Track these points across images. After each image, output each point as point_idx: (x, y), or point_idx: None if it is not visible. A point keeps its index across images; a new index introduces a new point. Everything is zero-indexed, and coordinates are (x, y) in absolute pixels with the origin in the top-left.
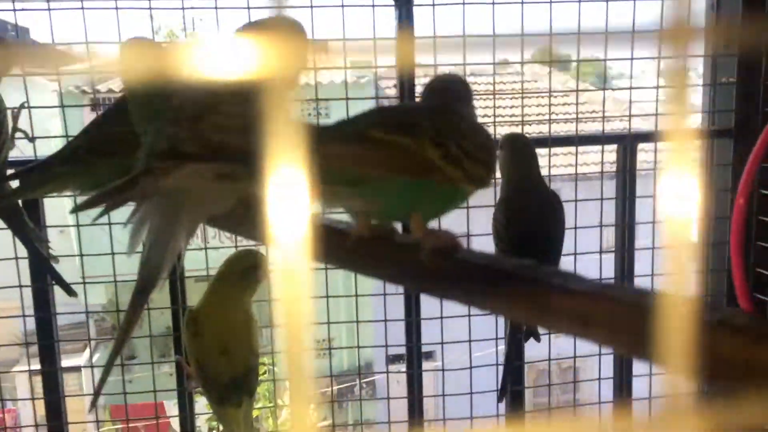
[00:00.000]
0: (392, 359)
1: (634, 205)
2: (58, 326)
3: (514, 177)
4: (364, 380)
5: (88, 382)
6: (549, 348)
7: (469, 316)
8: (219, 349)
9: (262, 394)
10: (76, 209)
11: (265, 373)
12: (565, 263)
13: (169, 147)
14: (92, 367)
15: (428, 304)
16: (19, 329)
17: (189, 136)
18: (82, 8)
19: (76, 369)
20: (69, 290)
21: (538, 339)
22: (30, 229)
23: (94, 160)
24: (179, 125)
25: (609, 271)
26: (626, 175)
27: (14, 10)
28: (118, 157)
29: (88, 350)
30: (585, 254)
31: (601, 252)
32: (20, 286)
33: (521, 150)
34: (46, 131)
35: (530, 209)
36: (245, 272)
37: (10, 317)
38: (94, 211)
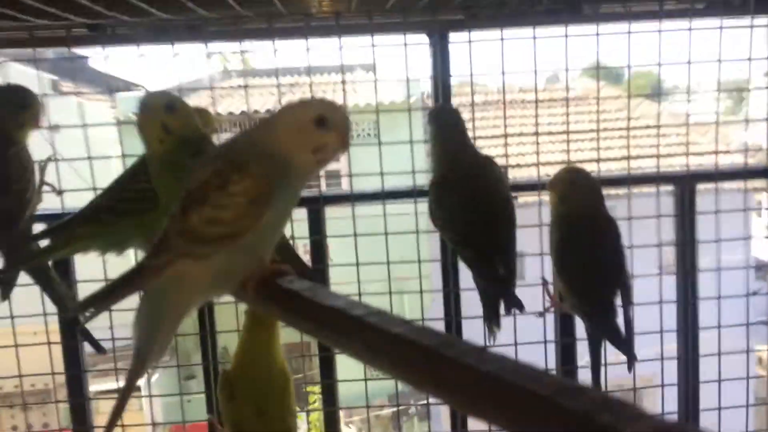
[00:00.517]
0: None
1: (696, 252)
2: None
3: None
4: (419, 402)
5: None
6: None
7: (516, 344)
8: (256, 411)
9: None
10: (79, 309)
11: (315, 401)
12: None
13: (160, 240)
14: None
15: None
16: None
17: (180, 228)
18: (137, 44)
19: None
20: (98, 347)
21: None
22: (58, 286)
23: (115, 220)
24: (174, 217)
25: (671, 323)
26: (685, 218)
27: (68, 47)
28: (138, 217)
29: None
30: (643, 304)
31: (661, 302)
32: (49, 343)
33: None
34: (106, 161)
35: (585, 235)
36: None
37: (37, 375)
38: (125, 263)
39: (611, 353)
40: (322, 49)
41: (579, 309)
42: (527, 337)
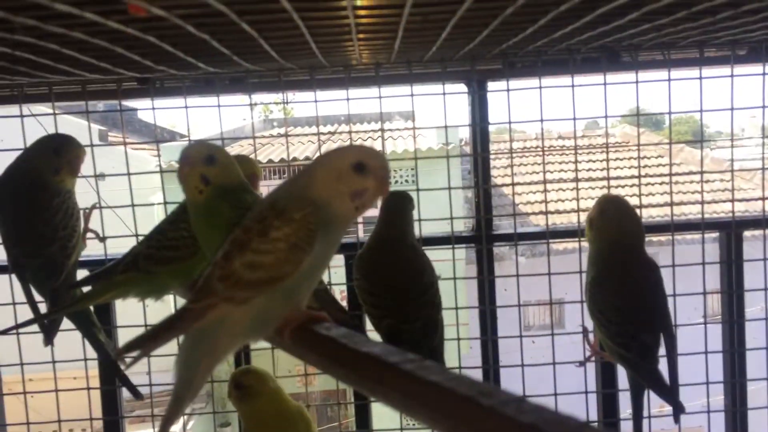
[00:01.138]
0: None
1: (743, 300)
2: (153, 397)
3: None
4: None
5: None
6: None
7: (556, 394)
8: None
9: None
10: (123, 352)
11: None
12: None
13: (202, 285)
14: None
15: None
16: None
17: (221, 273)
18: (186, 105)
19: None
20: (136, 393)
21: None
22: (98, 331)
23: (154, 267)
24: (216, 263)
25: (717, 374)
26: (731, 266)
27: (118, 99)
28: (177, 264)
29: (182, 419)
30: (689, 354)
31: (707, 352)
32: (88, 389)
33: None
34: (150, 209)
35: (621, 271)
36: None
37: (76, 420)
38: (164, 308)
39: (656, 404)
40: (362, 98)
41: (616, 353)
42: (568, 388)
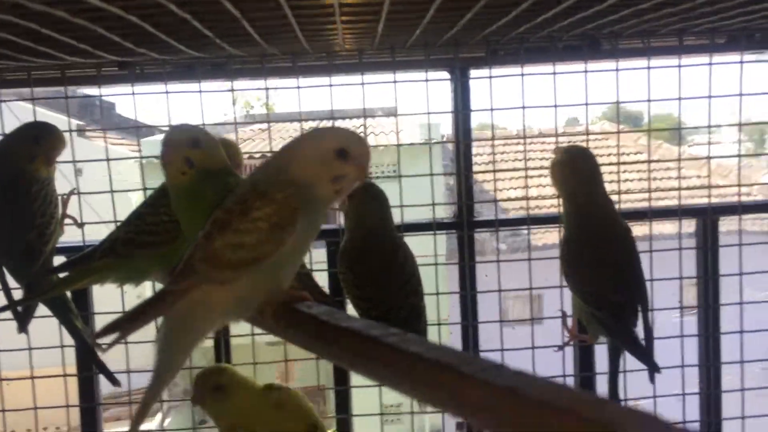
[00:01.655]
0: (459, 425)
1: (718, 286)
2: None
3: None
4: None
5: None
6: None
7: None
8: None
9: None
10: (103, 334)
11: None
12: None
13: (184, 265)
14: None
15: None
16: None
17: (203, 254)
18: (167, 91)
19: None
20: (113, 380)
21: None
22: (75, 317)
23: (132, 252)
24: (197, 244)
25: (692, 359)
26: (707, 252)
27: (98, 85)
28: (156, 249)
29: (160, 414)
30: (664, 339)
31: (682, 336)
32: (65, 375)
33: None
34: (128, 199)
35: (595, 231)
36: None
37: (52, 407)
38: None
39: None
40: (345, 93)
41: (590, 314)
42: (547, 373)
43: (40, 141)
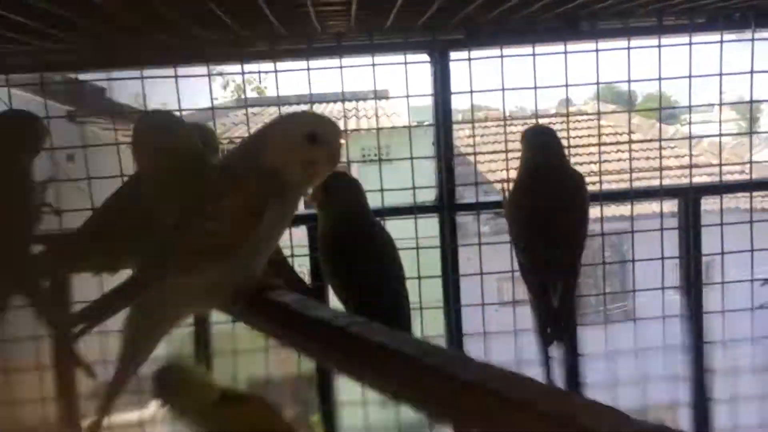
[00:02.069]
0: None
1: (700, 264)
2: None
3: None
4: None
5: None
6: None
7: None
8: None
9: None
10: (75, 321)
11: None
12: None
13: (154, 253)
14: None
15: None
16: None
17: (173, 241)
18: (142, 77)
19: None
20: (89, 371)
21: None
22: (53, 308)
23: (107, 241)
24: (167, 231)
25: (674, 339)
26: (689, 232)
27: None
28: (130, 237)
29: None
30: (648, 319)
31: (663, 318)
32: (40, 368)
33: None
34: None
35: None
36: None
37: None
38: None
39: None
40: (324, 68)
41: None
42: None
43: (27, 129)
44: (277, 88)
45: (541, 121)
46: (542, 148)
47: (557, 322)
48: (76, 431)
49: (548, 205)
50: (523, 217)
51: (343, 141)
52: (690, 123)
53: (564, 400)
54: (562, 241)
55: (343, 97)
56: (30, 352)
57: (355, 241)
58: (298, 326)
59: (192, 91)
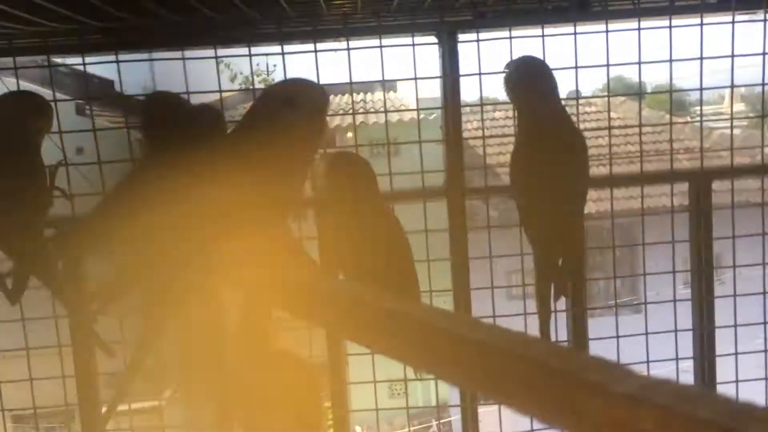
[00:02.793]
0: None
1: (711, 250)
2: None
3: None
4: (442, 420)
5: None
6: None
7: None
8: None
9: None
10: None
11: None
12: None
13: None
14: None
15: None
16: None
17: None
18: (151, 59)
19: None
20: (107, 350)
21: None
22: (68, 290)
23: (118, 224)
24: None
25: (686, 323)
26: (700, 215)
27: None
28: (140, 220)
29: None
30: (657, 303)
31: (675, 301)
32: (59, 346)
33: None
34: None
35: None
36: None
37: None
38: None
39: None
40: (330, 50)
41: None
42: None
43: (43, 112)
44: (285, 74)
45: None
46: (538, 95)
47: (562, 277)
48: (96, 412)
49: (550, 168)
50: (526, 178)
51: (328, 103)
52: (701, 108)
53: (572, 358)
54: (564, 195)
55: (351, 89)
56: (49, 332)
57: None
58: (314, 298)
59: (200, 82)
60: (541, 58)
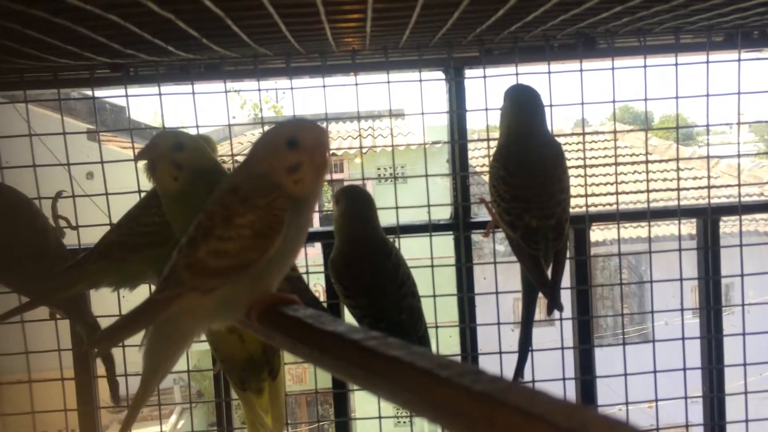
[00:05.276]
0: None
1: (720, 287)
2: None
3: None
4: None
5: None
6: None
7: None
8: (228, 328)
9: None
10: (92, 344)
11: None
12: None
13: (168, 273)
14: None
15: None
16: None
17: (186, 261)
18: (159, 93)
19: None
20: (115, 395)
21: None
22: (89, 319)
23: (126, 255)
24: (181, 250)
25: (695, 361)
26: (708, 253)
27: (91, 87)
28: (149, 251)
29: (174, 416)
30: (666, 341)
31: (683, 339)
32: (62, 379)
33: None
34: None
35: (516, 154)
36: None
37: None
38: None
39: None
40: (344, 96)
41: (507, 233)
42: (546, 375)
43: None
44: (293, 106)
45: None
46: (527, 112)
47: (552, 294)
48: None
49: (532, 180)
50: (509, 191)
51: (327, 143)
52: (708, 144)
53: (576, 414)
54: (549, 212)
55: (358, 116)
56: (53, 363)
57: (366, 261)
58: (314, 341)
59: (209, 110)
60: (546, 91)
